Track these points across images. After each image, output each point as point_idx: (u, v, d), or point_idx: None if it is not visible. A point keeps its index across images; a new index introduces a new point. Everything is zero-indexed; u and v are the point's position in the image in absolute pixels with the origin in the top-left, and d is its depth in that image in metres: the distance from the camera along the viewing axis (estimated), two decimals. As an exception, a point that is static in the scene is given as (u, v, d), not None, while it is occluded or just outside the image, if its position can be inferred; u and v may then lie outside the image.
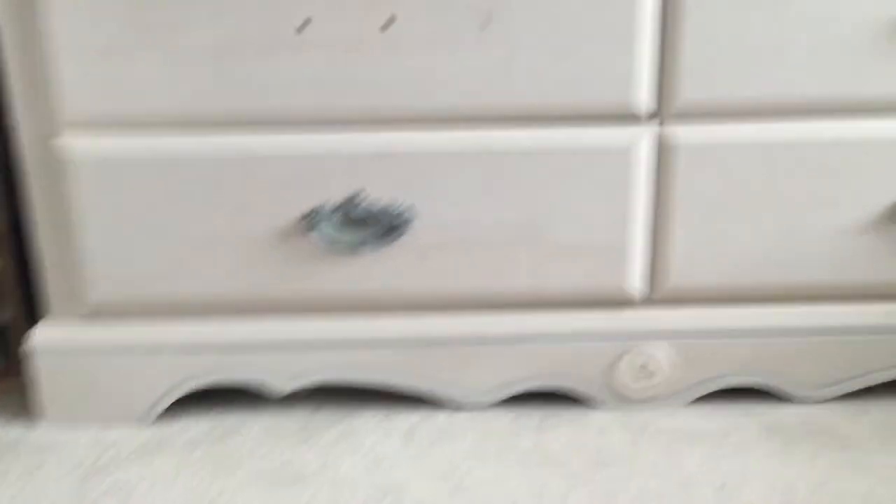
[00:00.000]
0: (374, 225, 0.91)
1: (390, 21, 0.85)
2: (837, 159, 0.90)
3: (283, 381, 0.97)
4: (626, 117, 0.89)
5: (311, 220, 0.91)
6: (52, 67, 0.86)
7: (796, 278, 0.95)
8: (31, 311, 1.03)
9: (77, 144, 0.89)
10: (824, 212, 0.92)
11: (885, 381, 0.98)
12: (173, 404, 0.97)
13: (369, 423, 0.97)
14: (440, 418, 0.97)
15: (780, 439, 0.92)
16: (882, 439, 0.92)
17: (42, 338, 0.96)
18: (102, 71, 0.86)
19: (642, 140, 0.89)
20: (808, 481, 0.85)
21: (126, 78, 0.86)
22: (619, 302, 0.96)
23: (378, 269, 0.93)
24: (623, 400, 0.98)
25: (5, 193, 1.01)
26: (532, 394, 0.99)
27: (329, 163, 0.90)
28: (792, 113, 0.89)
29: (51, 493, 0.86)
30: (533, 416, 0.98)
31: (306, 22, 0.84)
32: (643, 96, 0.88)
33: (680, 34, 0.86)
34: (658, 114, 0.89)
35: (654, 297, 0.96)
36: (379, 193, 0.91)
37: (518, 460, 0.90)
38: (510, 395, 0.98)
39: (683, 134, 0.89)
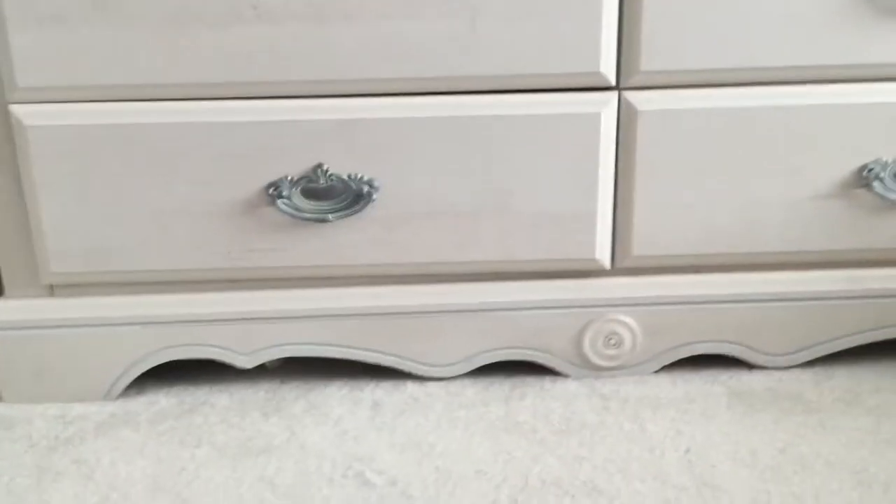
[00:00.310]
0: (337, 196, 0.91)
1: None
2: (799, 126, 0.91)
3: (248, 354, 0.96)
4: (592, 84, 0.89)
5: (273, 192, 0.90)
6: (1, 35, 0.84)
7: (759, 246, 0.95)
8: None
9: (31, 112, 0.87)
10: (787, 179, 0.92)
11: (849, 347, 0.99)
12: (138, 379, 0.96)
13: (336, 396, 0.96)
14: (407, 390, 0.97)
15: (745, 405, 0.93)
16: (846, 404, 0.93)
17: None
18: (55, 38, 0.84)
19: (608, 107, 0.89)
20: (773, 445, 0.86)
21: (80, 46, 0.85)
22: (586, 271, 0.96)
23: (342, 241, 0.93)
24: (591, 369, 0.98)
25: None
26: (500, 364, 0.99)
27: (291, 132, 0.89)
28: (753, 80, 0.90)
29: (13, 467, 0.84)
30: (501, 387, 0.98)
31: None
32: (608, 63, 0.88)
33: (640, 2, 0.86)
34: (621, 81, 0.89)
35: (620, 266, 0.96)
36: (342, 164, 0.90)
37: (486, 429, 0.90)
38: (478, 366, 0.98)
39: (646, 101, 0.89)
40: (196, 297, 0.95)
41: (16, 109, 0.87)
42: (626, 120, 0.90)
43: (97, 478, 0.83)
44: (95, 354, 0.95)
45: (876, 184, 0.92)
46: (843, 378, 0.98)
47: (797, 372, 0.99)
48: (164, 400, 0.96)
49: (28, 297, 0.94)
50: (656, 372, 0.99)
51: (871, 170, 0.92)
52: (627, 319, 0.97)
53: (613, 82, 0.89)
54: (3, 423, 0.92)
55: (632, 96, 0.89)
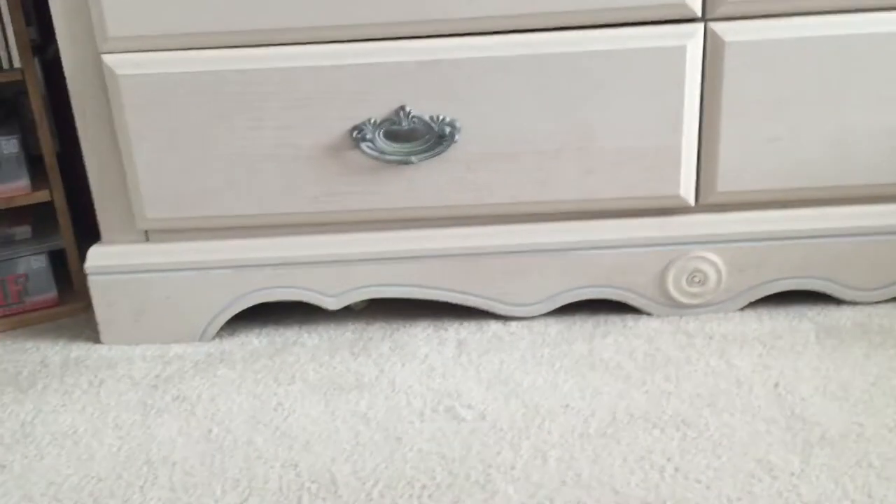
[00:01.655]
0: (419, 138, 0.91)
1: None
2: (890, 54, 0.88)
3: (335, 296, 0.98)
4: (677, 16, 0.87)
5: (357, 135, 0.91)
6: (95, -14, 0.86)
7: (849, 178, 0.93)
8: (87, 236, 1.05)
9: (122, 62, 0.89)
10: (878, 108, 0.90)
11: (942, 280, 0.97)
12: (230, 321, 0.99)
13: (421, 335, 0.98)
14: (491, 329, 0.98)
15: (835, 340, 0.92)
16: (938, 338, 0.91)
17: (97, 260, 0.98)
18: (145, -12, 0.86)
19: (693, 39, 0.88)
20: (864, 379, 0.85)
21: (169, -6, 0.86)
22: (670, 208, 0.96)
23: (425, 183, 0.94)
24: (675, 307, 0.98)
25: (53, 124, 1.02)
26: (582, 303, 0.99)
27: (373, 75, 0.89)
28: (843, 7, 0.87)
29: (117, 405, 0.88)
30: (584, 325, 0.98)
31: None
32: (692, -6, 0.86)
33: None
34: (707, 11, 0.87)
35: (704, 202, 0.95)
36: (424, 105, 0.90)
37: (571, 366, 0.91)
38: (560, 305, 0.99)
39: (733, 31, 0.87)
40: (284, 241, 0.97)
41: (108, 59, 0.89)
42: (712, 52, 0.88)
43: (198, 413, 0.86)
44: (190, 297, 0.98)
45: (974, 112, 0.89)
46: (936, 313, 0.96)
47: (887, 307, 0.97)
48: (256, 340, 0.99)
49: (124, 242, 0.98)
50: (741, 309, 0.99)
51: (968, 97, 0.89)
52: (712, 256, 0.96)
53: (699, 13, 0.87)
54: (105, 363, 0.96)
55: (718, 27, 0.87)
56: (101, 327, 0.99)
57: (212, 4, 0.87)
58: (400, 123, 0.91)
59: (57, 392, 0.91)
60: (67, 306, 1.08)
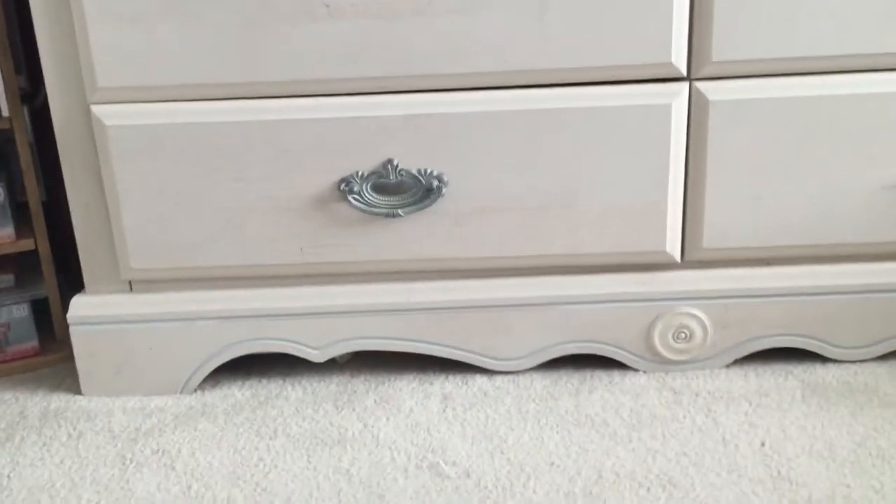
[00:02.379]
0: (407, 191, 0.92)
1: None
2: (875, 114, 0.89)
3: (320, 348, 0.97)
4: (663, 75, 0.88)
5: (344, 187, 0.91)
6: (83, 36, 0.87)
7: (832, 237, 0.94)
8: (72, 285, 1.04)
9: (111, 112, 0.89)
10: (861, 168, 0.91)
11: (926, 339, 0.97)
12: (213, 372, 0.98)
13: (406, 389, 0.97)
14: (477, 383, 0.98)
15: (821, 398, 0.92)
16: (924, 397, 0.91)
17: (80, 310, 0.97)
18: (133, 39, 0.87)
19: (679, 98, 0.89)
20: (850, 438, 0.85)
21: (157, 46, 0.87)
22: (656, 264, 0.96)
23: (412, 235, 0.94)
24: (661, 363, 0.98)
25: (39, 172, 1.02)
26: (568, 358, 0.99)
27: (361, 128, 0.90)
28: (827, 69, 0.88)
29: (96, 458, 0.87)
30: (570, 380, 0.98)
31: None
32: (679, 53, 0.87)
33: (714, -9, 0.85)
34: (692, 71, 0.89)
35: (690, 258, 0.96)
36: (412, 159, 0.91)
37: (557, 422, 0.90)
38: (546, 360, 0.98)
39: (718, 91, 0.88)
40: (269, 292, 0.96)
41: (97, 109, 0.89)
42: (697, 111, 0.89)
43: (178, 468, 0.85)
44: (173, 349, 0.97)
45: (955, 173, 0.90)
46: (921, 371, 0.96)
47: (872, 365, 0.97)
48: (239, 392, 0.98)
49: (108, 292, 0.97)
50: (728, 366, 0.98)
51: (949, 158, 0.90)
52: (698, 313, 0.96)
53: (684, 72, 0.88)
54: (84, 415, 0.95)
55: (703, 86, 0.89)
56: (82, 378, 0.98)
57: (200, 57, 0.87)
58: (387, 176, 0.91)
59: (35, 445, 0.90)
60: (49, 356, 1.07)
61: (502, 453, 0.85)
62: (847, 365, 0.98)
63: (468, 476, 0.82)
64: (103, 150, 0.90)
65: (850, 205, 0.92)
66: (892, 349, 0.97)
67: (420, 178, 0.91)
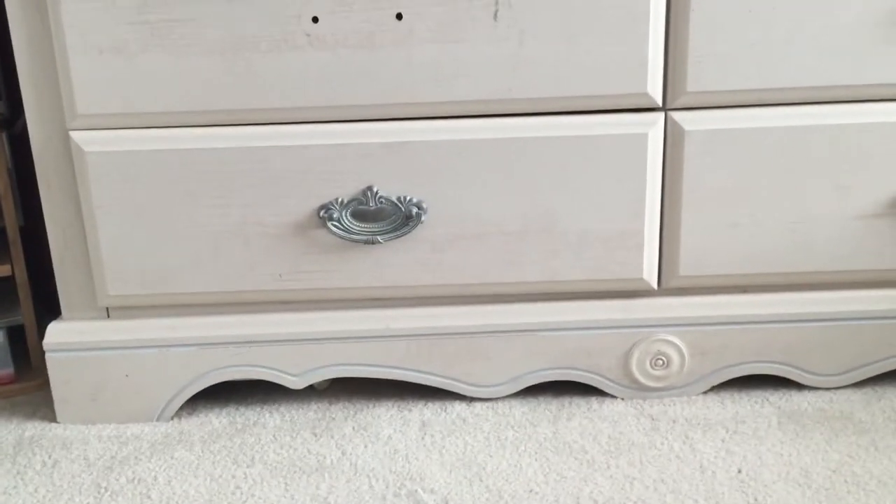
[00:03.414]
0: (386, 218, 0.92)
1: (399, 15, 0.86)
2: (848, 145, 0.91)
3: (298, 375, 0.97)
4: (638, 105, 0.89)
5: (324, 214, 0.91)
6: (63, 64, 0.87)
7: (808, 265, 0.95)
8: (48, 311, 1.03)
9: (90, 139, 0.89)
10: (835, 197, 0.92)
11: (900, 366, 0.98)
12: (190, 399, 0.98)
13: (384, 416, 0.97)
14: (455, 410, 0.98)
15: (796, 425, 0.93)
16: (898, 423, 0.92)
17: (56, 337, 0.96)
18: (114, 67, 0.87)
19: (654, 128, 0.90)
20: (825, 465, 0.85)
21: (138, 74, 0.87)
22: (633, 291, 0.97)
23: (391, 262, 0.94)
24: (639, 389, 0.98)
25: (17, 197, 1.02)
26: (547, 385, 0.99)
27: (341, 155, 0.90)
28: (801, 100, 0.90)
29: (71, 486, 0.86)
30: (549, 407, 0.98)
31: (314, 20, 0.85)
32: (654, 83, 0.88)
33: (687, 22, 0.87)
34: (667, 101, 0.90)
35: (667, 286, 0.96)
36: (392, 186, 0.91)
37: (535, 449, 0.90)
38: (525, 387, 0.98)
39: (693, 121, 0.90)
40: (248, 319, 0.96)
41: (76, 136, 0.89)
42: (672, 140, 0.91)
43: (154, 496, 0.84)
44: (150, 376, 0.96)
45: (926, 202, 0.91)
46: (894, 398, 0.97)
47: (847, 392, 0.98)
48: (216, 420, 0.98)
49: (85, 319, 0.97)
50: (704, 393, 0.99)
51: (920, 188, 0.91)
52: (675, 340, 0.97)
53: (660, 103, 0.90)
54: (60, 442, 0.94)
55: (678, 116, 0.90)
56: (58, 405, 0.97)
57: (181, 85, 0.88)
58: (367, 203, 0.91)
59: (9, 473, 0.89)
60: (24, 383, 1.06)
61: (481, 480, 0.85)
62: (822, 392, 0.99)
63: (447, 503, 0.82)
64: (82, 176, 0.90)
65: (825, 233, 0.94)
66: (866, 376, 0.98)
67: (399, 205, 0.91)
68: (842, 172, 0.91)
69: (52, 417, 0.98)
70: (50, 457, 0.91)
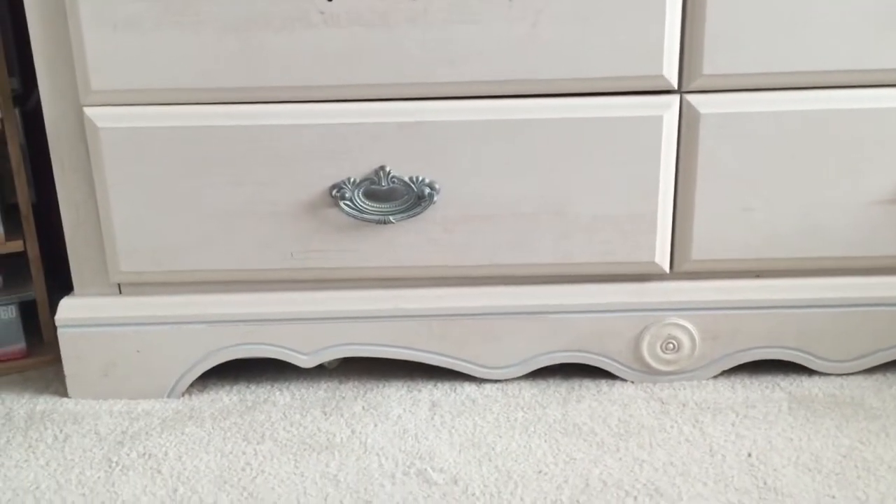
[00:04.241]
0: (399, 198, 0.92)
1: (416, -7, 0.85)
2: (865, 129, 0.90)
3: (309, 354, 0.97)
4: (654, 87, 0.89)
5: (336, 193, 0.91)
6: (77, 39, 0.87)
7: (821, 250, 0.95)
8: (60, 287, 1.04)
9: (104, 115, 0.89)
10: (850, 182, 0.92)
11: (912, 353, 0.98)
12: (200, 377, 0.98)
13: (394, 396, 0.97)
14: (465, 391, 0.98)
15: (807, 410, 0.92)
16: (909, 410, 0.92)
17: (68, 312, 0.96)
18: (128, 42, 0.87)
19: (670, 110, 0.89)
20: (836, 450, 0.85)
21: (152, 50, 0.87)
22: (645, 275, 0.96)
23: (402, 242, 0.94)
24: (649, 373, 0.98)
25: (29, 173, 1.02)
26: (557, 367, 0.99)
27: (354, 135, 0.90)
28: (818, 84, 0.89)
29: (82, 460, 0.86)
30: (558, 389, 0.98)
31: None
32: (670, 66, 0.88)
33: (704, 4, 0.86)
34: (683, 84, 0.89)
35: (679, 270, 0.96)
36: (404, 166, 0.91)
37: (545, 431, 0.90)
38: (535, 369, 0.98)
39: (708, 104, 0.89)
40: (259, 297, 0.96)
41: (90, 112, 0.89)
42: (687, 123, 0.90)
43: (164, 471, 0.84)
44: (161, 352, 0.97)
45: (941, 188, 0.91)
46: (906, 385, 0.97)
47: (858, 378, 0.98)
48: (226, 397, 0.98)
49: (96, 295, 0.97)
50: (715, 377, 0.99)
51: (936, 174, 0.91)
52: (686, 324, 0.96)
53: (676, 86, 0.89)
54: (71, 417, 0.94)
55: (693, 99, 0.89)
56: (69, 381, 0.98)
57: (195, 61, 0.87)
58: (379, 183, 0.91)
59: (21, 446, 0.89)
60: (36, 358, 1.06)
61: (490, 461, 0.85)
62: (833, 378, 0.98)
63: (455, 483, 0.82)
64: (95, 152, 0.90)
65: (839, 219, 0.93)
66: (877, 363, 0.98)
67: (412, 185, 0.91)
68: (857, 157, 0.91)
69: (63, 392, 0.99)
70: (61, 431, 0.92)
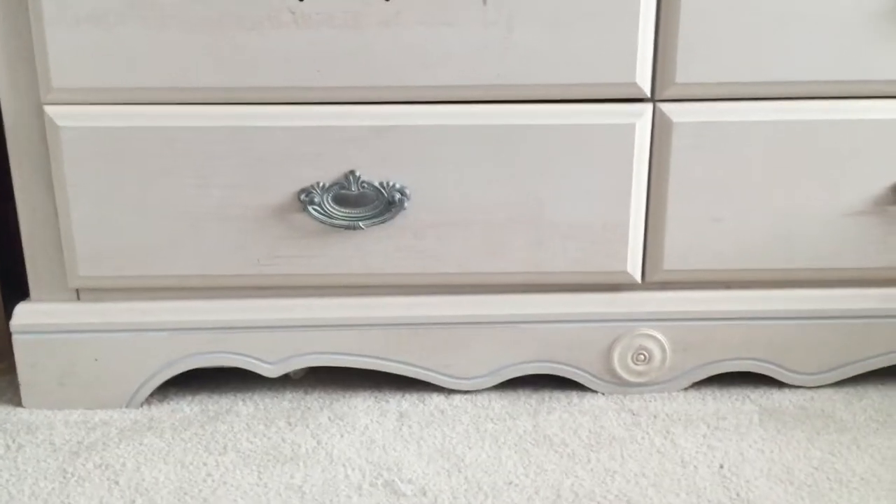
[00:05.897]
0: (368, 203, 0.90)
1: (388, -4, 0.84)
2: (835, 141, 0.90)
3: (274, 363, 0.95)
4: (627, 95, 0.88)
5: (305, 198, 0.89)
6: (38, 34, 0.84)
7: (792, 262, 0.94)
8: (15, 293, 1.00)
9: (65, 113, 0.87)
10: (821, 194, 0.92)
11: (882, 366, 0.98)
12: (160, 386, 0.95)
13: (361, 406, 0.95)
14: (434, 401, 0.96)
15: (778, 423, 0.92)
16: (879, 423, 0.92)
17: (24, 318, 0.93)
18: (91, 39, 0.84)
19: (642, 118, 0.89)
20: (807, 462, 0.85)
21: (115, 47, 0.85)
22: (617, 285, 0.95)
23: (372, 249, 0.92)
24: (620, 384, 0.97)
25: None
26: (527, 378, 0.97)
27: (324, 138, 0.88)
28: (790, 94, 0.89)
29: (35, 471, 0.83)
30: (529, 400, 0.96)
31: None
32: (643, 74, 0.87)
33: (678, 12, 0.86)
34: (656, 92, 0.89)
35: (651, 280, 0.95)
36: (374, 171, 0.89)
37: (515, 442, 0.88)
38: (505, 379, 0.97)
39: (681, 113, 0.89)
40: (223, 304, 0.94)
41: (50, 110, 0.87)
42: (660, 132, 0.90)
43: (122, 482, 0.81)
44: (120, 360, 0.94)
45: (911, 200, 0.91)
46: (875, 398, 0.96)
47: (828, 391, 0.98)
48: (187, 407, 0.95)
49: (54, 300, 0.94)
50: (685, 389, 0.98)
51: (906, 186, 0.91)
52: (657, 335, 0.96)
53: (649, 94, 0.88)
54: (25, 427, 0.91)
55: (666, 108, 0.89)
56: (24, 389, 0.94)
57: (161, 60, 0.85)
58: (349, 188, 0.89)
59: (-30, 457, 0.86)
60: (-12, 366, 1.03)
61: (459, 472, 0.83)
62: (803, 390, 0.98)
63: (424, 494, 0.80)
64: (55, 151, 0.88)
65: (810, 230, 0.93)
66: (847, 376, 0.98)
67: (382, 190, 0.89)
68: (830, 168, 0.91)
69: (17, 402, 0.95)
70: (14, 441, 0.88)
